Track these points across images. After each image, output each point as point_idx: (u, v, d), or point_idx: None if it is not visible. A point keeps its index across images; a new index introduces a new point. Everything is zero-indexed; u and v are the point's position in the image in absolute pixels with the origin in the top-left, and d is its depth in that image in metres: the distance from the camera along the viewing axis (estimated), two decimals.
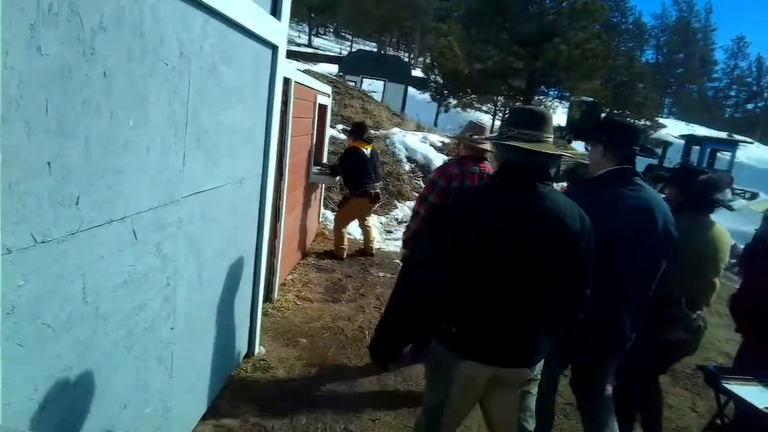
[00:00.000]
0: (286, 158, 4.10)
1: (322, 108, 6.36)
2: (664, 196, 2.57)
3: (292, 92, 4.01)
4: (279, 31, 2.92)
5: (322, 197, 6.91)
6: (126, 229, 1.59)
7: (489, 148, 3.08)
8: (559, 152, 1.75)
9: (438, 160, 9.48)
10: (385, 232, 7.34)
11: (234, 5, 2.17)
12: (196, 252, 2.21)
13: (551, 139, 1.74)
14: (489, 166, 3.18)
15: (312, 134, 5.39)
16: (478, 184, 2.20)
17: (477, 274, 1.69)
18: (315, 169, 5.75)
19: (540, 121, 1.72)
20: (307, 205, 5.67)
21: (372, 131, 9.84)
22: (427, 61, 33.04)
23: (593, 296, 1.81)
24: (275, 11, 2.92)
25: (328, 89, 6.31)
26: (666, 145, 21.13)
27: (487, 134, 3.17)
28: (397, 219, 7.75)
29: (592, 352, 2.22)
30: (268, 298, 4.23)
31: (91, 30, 1.30)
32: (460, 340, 1.74)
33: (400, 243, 6.18)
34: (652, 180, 3.10)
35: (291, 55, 21.91)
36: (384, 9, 56.39)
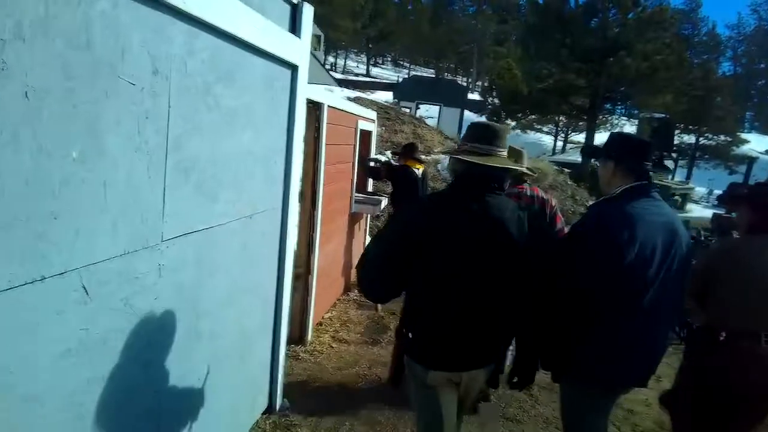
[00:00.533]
0: (319, 187, 3.81)
1: (366, 134, 6.07)
2: (733, 216, 2.53)
3: (324, 117, 3.73)
4: (299, 49, 2.63)
5: (368, 227, 6.58)
6: (69, 286, 1.29)
7: (527, 171, 3.14)
8: (506, 165, 1.82)
9: None
10: None
11: (232, 17, 1.88)
12: (190, 302, 1.90)
13: (504, 153, 1.82)
14: (528, 188, 3.41)
15: (353, 162, 5.10)
16: (430, 194, 2.24)
17: (428, 279, 1.75)
18: (358, 196, 5.44)
19: (492, 135, 1.80)
20: (349, 235, 5.35)
21: (423, 156, 9.50)
22: (485, 84, 32.52)
23: (627, 315, 1.87)
24: (294, 29, 2.64)
25: (372, 114, 6.03)
26: (751, 161, 19.37)
27: (525, 159, 3.35)
28: None
29: (630, 371, 1.98)
30: (301, 340, 3.90)
31: None
32: (419, 349, 1.81)
33: None
34: (728, 199, 2.81)
35: (346, 83, 22.22)
36: (441, 35, 56.86)
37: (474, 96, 32.38)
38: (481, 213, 1.73)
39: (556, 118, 24.71)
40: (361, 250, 6.58)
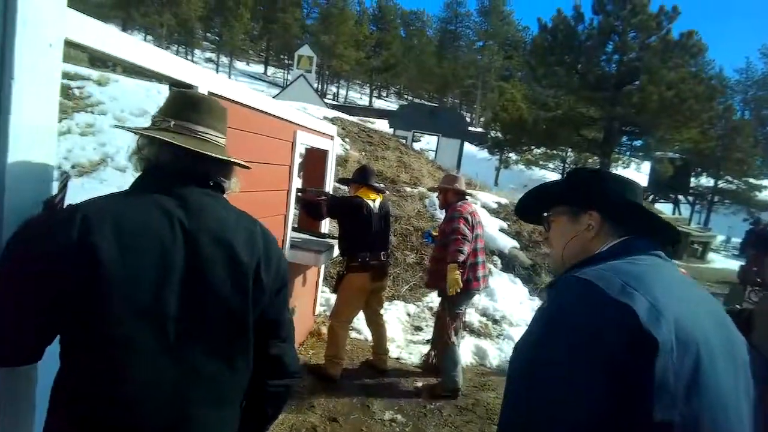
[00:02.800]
0: None
1: (317, 154, 4.55)
2: None
3: None
4: None
5: (321, 278, 4.96)
6: None
7: (468, 192, 4.17)
8: (233, 159, 1.24)
9: (493, 225, 7.39)
10: (412, 329, 5.21)
11: None
12: None
13: (222, 140, 1.26)
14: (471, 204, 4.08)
15: (288, 190, 3.55)
16: (95, 199, 1.12)
17: (95, 337, 1.04)
18: (296, 239, 3.87)
19: (207, 112, 1.23)
20: None
21: (408, 188, 7.98)
22: (489, 118, 31.44)
23: None
24: None
25: (328, 128, 4.51)
26: None
27: (462, 183, 4.15)
28: (431, 308, 5.62)
29: None
30: None
31: None
32: None
33: (428, 347, 4.30)
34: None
35: (341, 110, 21.00)
36: (445, 68, 56.65)
37: (477, 129, 31.27)
38: (193, 224, 1.12)
39: (563, 154, 23.24)
40: (311, 311, 4.98)
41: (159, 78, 2.02)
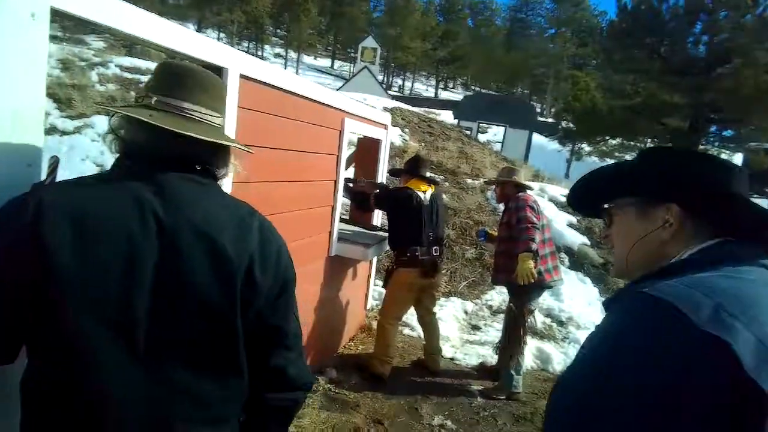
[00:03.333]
0: None
1: (370, 143, 4.37)
2: None
3: (233, 95, 2.08)
4: None
5: (373, 271, 4.80)
6: None
7: (527, 185, 3.83)
8: (224, 140, 1.03)
9: (561, 220, 6.91)
10: (470, 328, 4.93)
11: None
12: None
13: (218, 120, 1.08)
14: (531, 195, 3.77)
15: (336, 180, 3.40)
16: (60, 182, 0.96)
17: (51, 344, 0.90)
18: (346, 231, 3.72)
19: (198, 87, 1.04)
20: (332, 287, 3.63)
21: (469, 180, 7.65)
22: (560, 108, 29.91)
23: None
24: None
25: (383, 117, 4.32)
26: None
27: (522, 175, 3.95)
28: (491, 306, 5.31)
29: None
30: None
31: None
32: None
33: (488, 348, 4.32)
34: None
35: (404, 101, 20.77)
36: (515, 58, 54.86)
37: (547, 120, 29.97)
38: (170, 215, 0.95)
39: (642, 145, 21.63)
40: (362, 305, 4.84)
41: (180, 59, 1.90)
